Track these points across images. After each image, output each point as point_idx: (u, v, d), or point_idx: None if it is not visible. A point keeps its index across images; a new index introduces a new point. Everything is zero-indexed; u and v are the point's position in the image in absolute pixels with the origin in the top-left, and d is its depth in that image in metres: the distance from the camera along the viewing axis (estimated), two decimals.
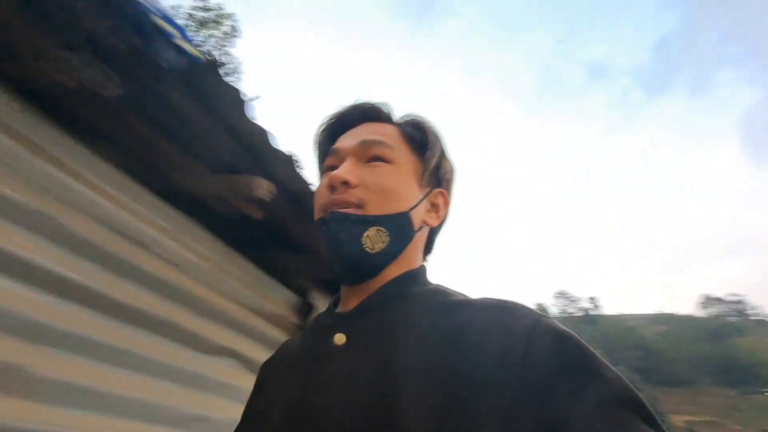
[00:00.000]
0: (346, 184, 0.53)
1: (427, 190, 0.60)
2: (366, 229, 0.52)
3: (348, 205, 0.53)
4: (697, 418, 52.86)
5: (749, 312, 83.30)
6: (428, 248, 0.63)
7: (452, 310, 0.50)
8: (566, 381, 0.41)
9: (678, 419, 50.30)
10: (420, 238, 0.59)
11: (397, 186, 0.56)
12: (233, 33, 17.44)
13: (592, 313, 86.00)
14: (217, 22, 17.24)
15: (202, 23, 17.06)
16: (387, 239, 0.53)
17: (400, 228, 0.55)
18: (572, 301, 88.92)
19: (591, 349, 0.44)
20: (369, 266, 0.54)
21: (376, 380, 0.45)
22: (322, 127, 0.63)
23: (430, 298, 0.54)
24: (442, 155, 0.61)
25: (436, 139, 0.61)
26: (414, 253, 0.59)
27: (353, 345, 0.50)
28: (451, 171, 0.63)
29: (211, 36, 17.04)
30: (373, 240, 0.52)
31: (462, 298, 0.53)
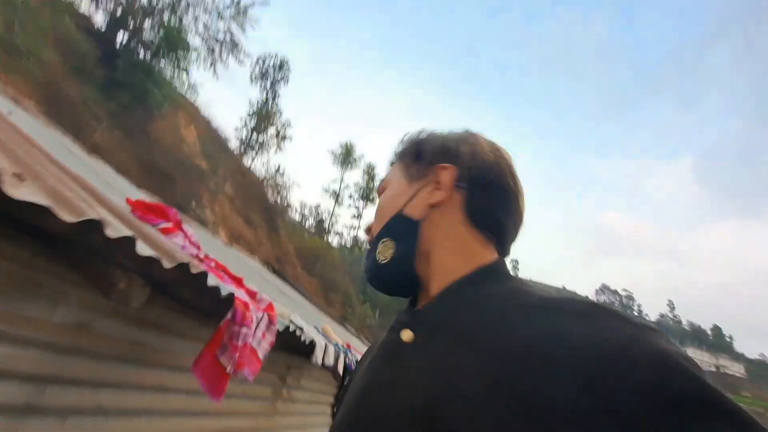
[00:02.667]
0: (367, 231, 0.64)
1: (422, 179, 0.60)
2: (376, 248, 0.58)
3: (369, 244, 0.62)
4: None
5: None
6: (483, 223, 0.57)
7: (526, 315, 0.43)
8: (672, 419, 0.32)
9: None
10: (441, 220, 0.57)
11: (387, 200, 0.62)
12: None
13: None
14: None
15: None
16: (392, 244, 0.57)
17: (397, 228, 0.58)
18: None
19: (706, 376, 0.34)
20: (392, 275, 0.57)
21: (432, 386, 0.43)
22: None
23: (504, 300, 0.48)
24: (419, 141, 0.63)
25: (407, 136, 0.65)
26: (449, 238, 0.56)
27: (418, 344, 0.49)
28: (440, 144, 0.61)
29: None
30: (383, 252, 0.57)
31: (540, 299, 0.45)
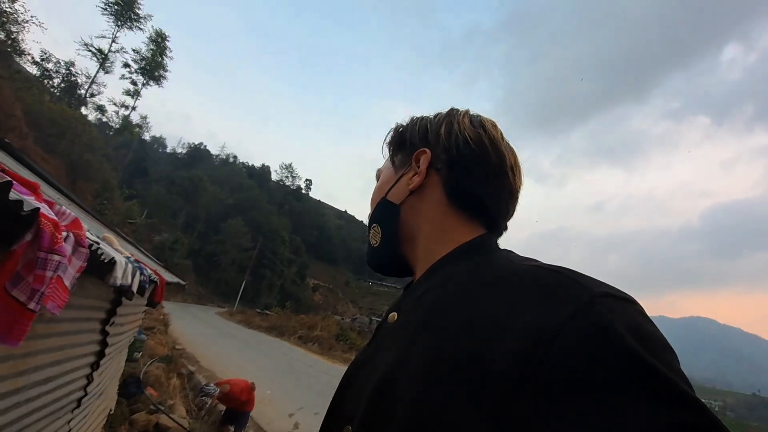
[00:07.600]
0: None
1: (405, 166, 0.62)
2: (369, 233, 0.64)
3: None
4: None
5: None
6: (463, 201, 0.56)
7: (482, 290, 0.42)
8: (602, 395, 0.29)
9: None
10: (421, 204, 0.58)
11: (376, 189, 0.66)
12: None
13: None
14: None
15: None
16: (379, 229, 0.61)
17: (380, 214, 0.62)
18: None
19: (650, 353, 0.31)
20: (381, 257, 0.62)
21: (389, 363, 0.44)
22: None
23: (469, 275, 0.46)
24: (403, 129, 0.64)
25: (395, 125, 0.66)
26: (429, 220, 0.57)
27: (398, 324, 0.50)
28: (420, 129, 0.62)
29: None
30: (373, 236, 0.63)
31: (502, 272, 0.43)
